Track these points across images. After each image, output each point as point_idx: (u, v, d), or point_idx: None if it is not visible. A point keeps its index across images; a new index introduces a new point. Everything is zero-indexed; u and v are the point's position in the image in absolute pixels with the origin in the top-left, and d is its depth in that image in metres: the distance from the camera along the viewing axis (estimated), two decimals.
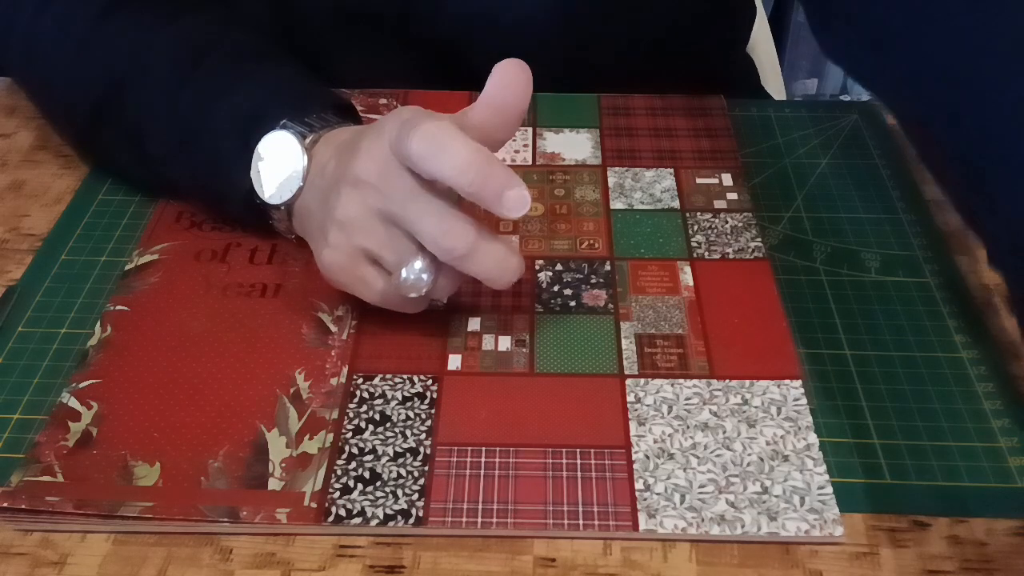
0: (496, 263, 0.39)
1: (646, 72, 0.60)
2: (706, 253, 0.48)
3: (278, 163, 0.44)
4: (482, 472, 0.38)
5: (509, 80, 0.38)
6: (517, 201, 0.36)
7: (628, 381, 0.42)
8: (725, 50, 0.73)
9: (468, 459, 0.39)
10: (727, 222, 0.50)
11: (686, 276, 0.47)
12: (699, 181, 0.53)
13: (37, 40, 0.52)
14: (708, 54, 0.67)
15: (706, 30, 0.66)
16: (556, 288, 0.46)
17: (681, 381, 0.42)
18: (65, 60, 0.51)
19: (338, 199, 0.40)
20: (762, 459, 0.39)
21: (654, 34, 0.61)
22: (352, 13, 0.58)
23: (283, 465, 0.39)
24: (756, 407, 0.41)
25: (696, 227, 0.50)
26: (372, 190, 0.39)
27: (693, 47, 0.64)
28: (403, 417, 0.41)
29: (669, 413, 0.40)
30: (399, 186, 0.38)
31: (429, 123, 0.37)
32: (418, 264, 0.39)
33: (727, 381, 0.42)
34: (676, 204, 0.51)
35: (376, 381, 0.42)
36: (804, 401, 0.41)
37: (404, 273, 0.39)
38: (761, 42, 0.85)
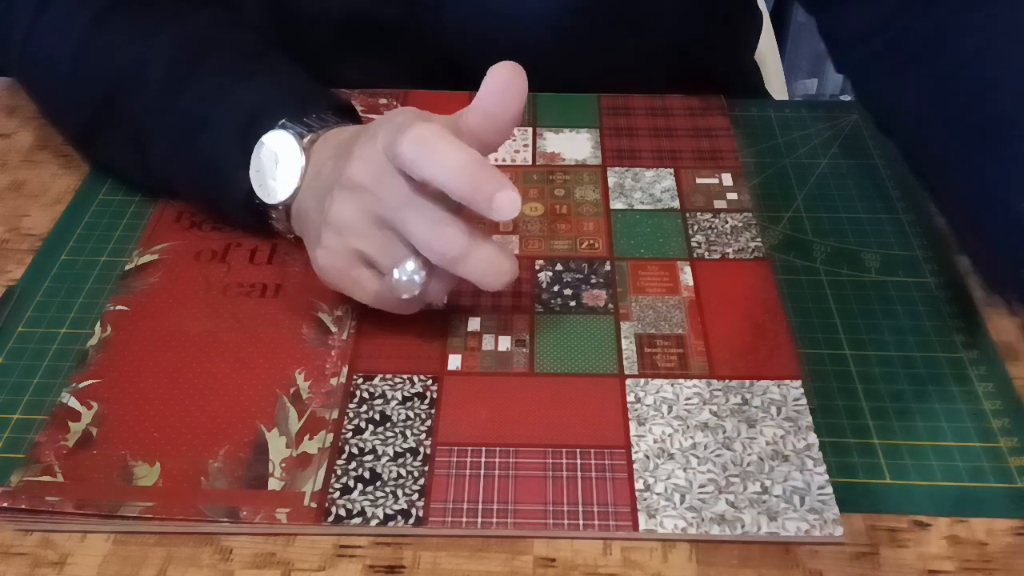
0: (488, 266, 0.39)
1: (650, 81, 0.60)
2: (706, 253, 0.48)
3: (276, 163, 0.44)
4: (482, 472, 0.38)
5: (504, 84, 0.38)
6: (507, 204, 0.36)
7: (628, 381, 0.42)
8: (730, 59, 0.73)
9: (468, 459, 0.39)
10: (727, 222, 0.50)
11: (686, 276, 0.47)
12: (699, 181, 0.53)
13: (36, 43, 0.52)
14: (713, 64, 0.67)
15: (711, 43, 0.66)
16: (556, 288, 0.46)
17: (681, 381, 0.42)
18: (64, 63, 0.51)
19: (332, 202, 0.40)
20: (762, 459, 0.39)
21: (658, 46, 0.61)
22: (354, 19, 0.58)
23: (283, 465, 0.39)
24: (756, 407, 0.41)
25: (696, 227, 0.50)
26: (366, 194, 0.39)
27: (697, 59, 0.64)
28: (403, 417, 0.41)
29: (669, 413, 0.40)
30: (392, 190, 0.38)
31: (420, 126, 0.37)
32: (411, 266, 0.39)
33: (727, 381, 0.42)
34: (676, 204, 0.51)
35: (376, 381, 0.42)
36: (804, 401, 0.41)
37: (397, 275, 0.39)
38: (765, 44, 0.85)
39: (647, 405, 0.41)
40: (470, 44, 0.58)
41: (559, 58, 0.58)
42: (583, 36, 0.59)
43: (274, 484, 0.38)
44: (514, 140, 0.56)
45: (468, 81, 0.53)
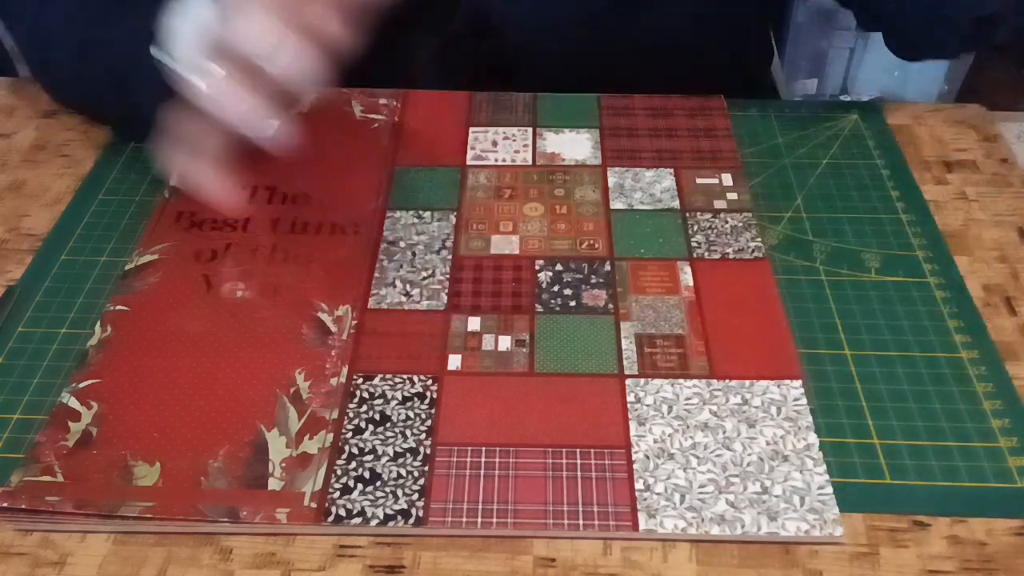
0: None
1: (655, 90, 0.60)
2: (706, 253, 0.48)
3: (186, 21, 0.43)
4: (482, 472, 0.38)
5: None
6: None
7: (628, 381, 0.42)
8: (741, 85, 0.73)
9: (468, 459, 0.39)
10: (727, 222, 0.50)
11: (686, 276, 0.47)
12: (699, 181, 0.53)
13: (41, 40, 0.52)
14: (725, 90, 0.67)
15: (722, 71, 0.66)
16: (556, 288, 0.46)
17: (681, 381, 0.42)
18: (69, 58, 0.51)
19: None
20: (762, 459, 0.39)
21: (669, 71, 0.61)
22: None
23: (283, 465, 0.39)
24: (756, 407, 0.41)
25: (696, 227, 0.50)
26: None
27: (707, 78, 0.64)
28: (403, 417, 0.41)
29: (669, 413, 0.40)
30: None
31: None
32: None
33: (727, 381, 0.42)
34: (676, 204, 0.51)
35: (376, 381, 0.42)
36: (804, 401, 0.41)
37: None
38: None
39: (647, 405, 0.41)
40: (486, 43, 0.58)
41: (562, 58, 0.58)
42: (584, 38, 0.59)
43: (274, 484, 0.38)
44: (514, 140, 0.56)
45: (485, 77, 0.53)
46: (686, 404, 0.41)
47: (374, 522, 0.37)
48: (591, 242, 0.49)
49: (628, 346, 0.43)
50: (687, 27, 0.63)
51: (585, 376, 0.42)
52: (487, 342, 0.44)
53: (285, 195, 0.51)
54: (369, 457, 0.39)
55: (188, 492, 0.38)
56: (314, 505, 0.37)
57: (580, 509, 0.37)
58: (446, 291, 0.46)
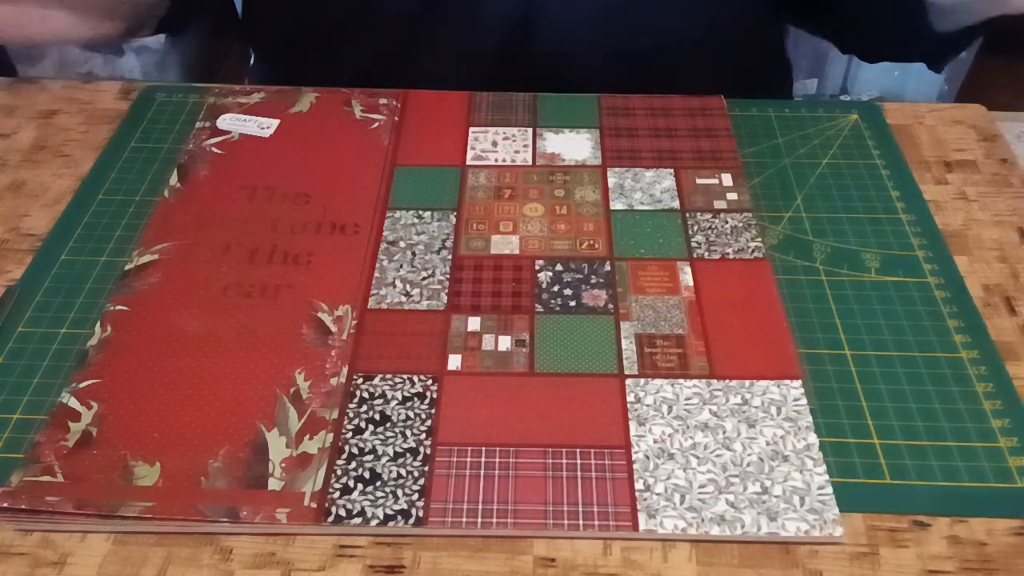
0: None
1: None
2: (706, 253, 0.48)
3: None
4: (482, 472, 0.38)
5: None
6: None
7: (628, 381, 0.42)
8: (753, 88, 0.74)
9: (468, 459, 0.39)
10: (727, 222, 0.50)
11: (686, 276, 0.47)
12: (699, 181, 0.53)
13: None
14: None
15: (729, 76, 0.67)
16: (556, 288, 0.46)
17: (681, 381, 0.42)
18: None
19: None
20: (762, 459, 0.39)
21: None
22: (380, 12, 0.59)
23: (283, 465, 0.39)
24: (756, 407, 0.41)
25: (696, 227, 0.50)
26: None
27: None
28: (403, 417, 0.41)
29: (669, 413, 0.40)
30: None
31: None
32: None
33: (727, 381, 0.42)
34: (676, 204, 0.51)
35: (376, 381, 0.42)
36: (804, 401, 0.41)
37: None
38: None
39: (647, 405, 0.41)
40: (513, 37, 0.58)
41: (564, 58, 0.58)
42: (586, 39, 0.59)
43: (274, 484, 0.38)
44: (514, 140, 0.56)
45: (499, 76, 0.53)
46: (686, 404, 0.41)
47: (374, 522, 0.37)
48: (591, 242, 0.49)
49: (628, 346, 0.43)
50: (689, 28, 0.63)
51: (585, 376, 0.42)
52: (487, 342, 0.44)
53: (285, 195, 0.51)
54: (369, 457, 0.39)
55: (188, 492, 0.38)
56: (314, 505, 0.37)
57: (580, 509, 0.37)
58: (446, 291, 0.46)
